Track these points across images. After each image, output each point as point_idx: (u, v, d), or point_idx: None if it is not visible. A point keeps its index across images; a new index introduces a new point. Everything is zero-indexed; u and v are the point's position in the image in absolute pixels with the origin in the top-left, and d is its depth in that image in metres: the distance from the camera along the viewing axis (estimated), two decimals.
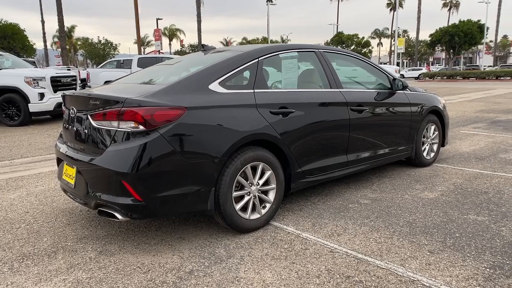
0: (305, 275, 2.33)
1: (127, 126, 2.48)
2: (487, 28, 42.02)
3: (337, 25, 73.53)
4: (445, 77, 32.69)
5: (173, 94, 2.62)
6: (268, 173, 3.01)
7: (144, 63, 13.98)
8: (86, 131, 2.74)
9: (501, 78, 28.85)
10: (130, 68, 14.19)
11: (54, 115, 9.98)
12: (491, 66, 53.88)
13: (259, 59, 3.12)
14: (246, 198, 2.91)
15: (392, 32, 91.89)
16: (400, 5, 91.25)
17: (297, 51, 3.51)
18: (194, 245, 2.78)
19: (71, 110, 2.93)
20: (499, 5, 61.33)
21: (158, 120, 2.48)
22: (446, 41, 40.56)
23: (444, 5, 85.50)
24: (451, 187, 3.93)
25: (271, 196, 3.06)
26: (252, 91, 2.99)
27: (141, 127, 2.46)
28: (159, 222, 3.20)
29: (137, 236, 2.96)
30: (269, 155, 2.98)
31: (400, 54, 35.59)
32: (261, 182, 2.98)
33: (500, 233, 2.83)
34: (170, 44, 76.61)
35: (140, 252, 2.70)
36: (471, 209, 3.32)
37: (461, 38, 38.79)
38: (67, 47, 45.53)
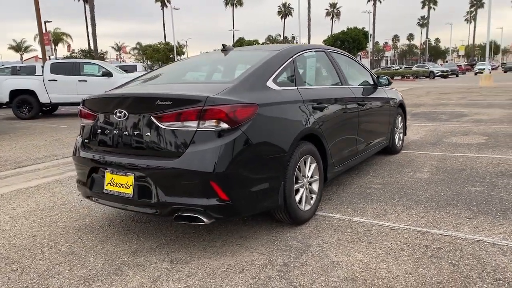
0: (391, 250, 2.57)
1: (210, 125, 2.43)
2: (371, 35, 47.37)
3: (234, 31, 75.39)
4: None
5: (242, 91, 2.64)
6: (313, 166, 3.17)
7: (59, 68, 12.77)
8: (148, 134, 2.58)
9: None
10: (42, 75, 12.78)
11: None
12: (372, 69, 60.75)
13: (293, 57, 3.27)
14: (301, 191, 3.04)
15: (284, 38, 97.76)
16: (290, 13, 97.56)
17: (314, 51, 3.74)
18: (262, 242, 2.81)
19: (117, 113, 2.71)
20: (374, 15, 69.57)
21: (240, 117, 2.49)
22: (338, 47, 44.57)
23: (327, 14, 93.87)
24: (433, 168, 4.55)
25: (315, 187, 3.23)
26: (296, 87, 3.13)
27: (225, 125, 2.44)
28: (201, 227, 3.13)
29: (194, 242, 2.87)
30: (314, 148, 3.15)
31: None
32: (309, 174, 3.13)
33: (503, 198, 3.43)
34: (55, 49, 70.10)
35: (215, 255, 2.64)
36: (464, 182, 3.92)
37: (350, 44, 43.00)
38: None
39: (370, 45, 51.91)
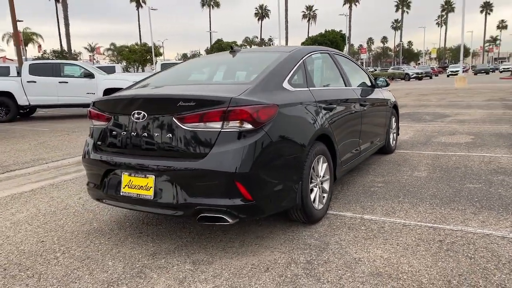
0: (407, 246, 2.66)
1: (234, 125, 2.45)
2: (348, 37, 48.24)
3: (211, 32, 75.18)
4: None
5: (262, 92, 2.67)
6: (325, 165, 3.24)
7: (39, 69, 12.43)
8: (170, 135, 2.58)
9: None
10: (20, 76, 12.39)
11: None
12: None
13: (303, 59, 3.33)
14: (315, 190, 3.10)
15: (261, 40, 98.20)
16: (267, 15, 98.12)
17: (320, 53, 3.81)
18: (280, 241, 2.85)
19: (135, 115, 2.69)
20: (350, 18, 70.83)
21: (263, 118, 2.52)
22: None
23: (304, 16, 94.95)
24: (429, 167, 4.71)
25: (326, 186, 3.29)
26: (308, 89, 3.19)
27: (249, 126, 2.46)
28: (215, 228, 3.14)
29: (212, 243, 2.88)
30: (325, 148, 3.22)
31: None
32: (322, 174, 3.20)
33: (501, 194, 3.60)
34: (24, 49, 67.91)
35: (236, 255, 2.66)
36: (462, 180, 4.08)
37: (328, 46, 43.73)
38: None
39: (346, 48, 52.88)
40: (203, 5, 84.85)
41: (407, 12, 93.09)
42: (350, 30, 72.14)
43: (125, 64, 53.57)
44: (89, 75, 12.58)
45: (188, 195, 2.50)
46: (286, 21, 65.09)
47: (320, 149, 3.09)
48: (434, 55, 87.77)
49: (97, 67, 18.62)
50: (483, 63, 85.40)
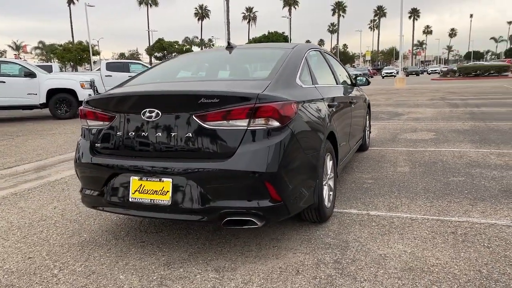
0: (425, 239, 2.72)
1: (261, 123, 2.33)
2: (290, 39, 49.34)
3: (151, 31, 72.90)
4: None
5: (280, 89, 2.57)
6: (330, 163, 3.22)
7: None
8: (189, 135, 2.39)
9: None
10: None
11: None
12: None
13: (305, 56, 3.29)
14: (325, 188, 3.07)
15: (201, 40, 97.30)
16: (207, 15, 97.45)
17: (314, 50, 3.79)
18: (297, 242, 2.78)
19: (147, 113, 2.46)
20: (290, 21, 72.57)
21: (288, 115, 2.43)
22: None
23: (244, 18, 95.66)
24: (408, 162, 4.90)
25: (331, 184, 3.28)
26: (314, 86, 3.15)
27: (276, 123, 2.36)
28: (223, 232, 2.99)
29: (226, 248, 2.73)
30: (331, 146, 3.20)
31: None
32: (329, 172, 3.17)
33: (486, 185, 3.83)
34: None
35: (258, 259, 2.55)
36: (445, 174, 4.29)
37: None
38: None
39: None
40: (140, 3, 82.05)
41: (343, 16, 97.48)
42: (290, 32, 73.93)
43: (58, 63, 50.16)
44: (30, 74, 11.55)
45: (212, 198, 2.34)
46: (228, 22, 65.04)
47: (328, 146, 3.07)
48: (368, 57, 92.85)
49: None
50: (412, 65, 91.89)
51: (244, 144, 2.32)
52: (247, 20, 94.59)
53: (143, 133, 2.50)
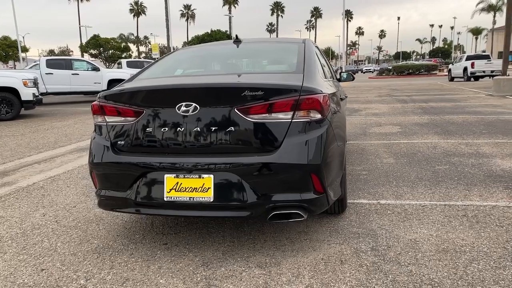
0: (442, 223, 2.89)
1: (305, 115, 2.33)
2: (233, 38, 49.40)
3: (84, 27, 68.77)
4: None
5: (313, 81, 2.58)
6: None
7: None
8: (231, 129, 2.31)
9: None
10: None
11: None
12: None
13: (315, 51, 3.33)
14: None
15: (136, 38, 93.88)
16: (143, 12, 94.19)
17: (316, 46, 3.85)
18: (326, 233, 2.82)
19: (183, 107, 2.34)
20: (230, 20, 72.58)
21: (326, 107, 2.46)
22: None
23: (182, 15, 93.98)
24: (391, 154, 5.16)
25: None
26: (326, 80, 3.21)
27: (318, 116, 2.37)
28: (245, 228, 2.95)
29: (257, 243, 2.69)
30: None
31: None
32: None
33: (470, 172, 4.16)
34: None
35: (297, 252, 2.54)
36: (429, 163, 4.58)
37: None
38: None
39: None
40: None
41: (282, 16, 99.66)
42: (231, 30, 73.94)
43: None
44: None
45: (258, 192, 2.29)
46: (167, 19, 63.43)
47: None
48: None
49: None
50: (347, 64, 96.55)
51: (289, 136, 2.31)
52: (185, 17, 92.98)
53: (178, 129, 2.37)
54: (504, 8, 50.81)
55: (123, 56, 55.13)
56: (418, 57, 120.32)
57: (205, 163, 2.32)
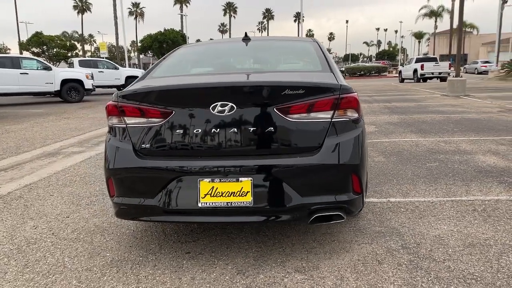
0: (457, 218, 2.98)
1: (344, 114, 2.29)
2: (188, 37, 48.59)
3: (18, 23, 64.27)
4: None
5: (342, 81, 2.56)
6: None
7: None
8: (271, 129, 2.21)
9: None
10: None
11: None
12: None
13: None
14: None
15: (81, 35, 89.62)
16: (88, 9, 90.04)
17: None
18: (351, 234, 2.80)
19: (218, 107, 2.21)
20: (181, 19, 71.40)
21: (360, 106, 2.43)
22: (156, 47, 44.02)
23: (130, 13, 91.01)
24: (378, 153, 5.28)
25: None
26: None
27: (355, 115, 2.35)
28: (268, 232, 2.86)
29: (287, 248, 2.62)
30: None
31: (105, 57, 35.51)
32: None
33: (460, 168, 4.35)
34: None
35: (330, 255, 2.50)
36: (419, 161, 4.74)
37: (169, 45, 43.06)
38: None
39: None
40: None
41: (234, 17, 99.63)
42: (182, 29, 72.75)
43: None
44: None
45: (301, 195, 2.22)
46: (115, 17, 61.01)
47: None
48: None
49: None
50: None
51: (330, 136, 2.26)
52: (134, 16, 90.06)
53: (212, 130, 2.24)
54: (445, 14, 54.49)
55: (69, 55, 52.30)
56: (365, 59, 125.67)
57: (243, 165, 2.21)
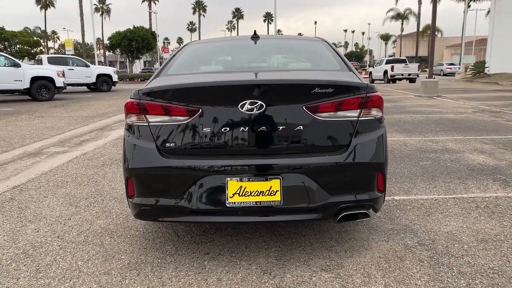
0: (463, 215, 3.09)
1: (369, 113, 2.32)
2: (158, 35, 47.75)
3: None
4: (127, 80, 35.87)
5: (363, 80, 2.59)
6: None
7: None
8: (300, 128, 2.21)
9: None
10: None
11: None
12: None
13: None
14: None
15: (44, 32, 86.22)
16: (52, 4, 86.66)
17: None
18: (365, 233, 2.85)
19: (247, 105, 2.18)
20: (150, 16, 70.01)
21: (383, 105, 2.47)
22: (125, 45, 42.90)
23: (96, 10, 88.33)
24: None
25: None
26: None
27: (380, 114, 2.38)
28: (284, 232, 2.86)
29: (307, 247, 2.63)
30: None
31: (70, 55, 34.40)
32: None
33: (453, 166, 4.51)
34: None
35: (351, 253, 2.53)
36: (413, 160, 4.87)
37: (139, 43, 42.09)
38: None
39: (158, 46, 52.15)
40: None
41: (204, 16, 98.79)
42: (151, 26, 71.43)
43: None
44: None
45: (329, 193, 2.23)
46: (81, 13, 59.06)
47: None
48: None
49: None
50: None
51: (357, 135, 2.28)
52: (100, 12, 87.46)
53: (241, 128, 2.21)
54: (411, 17, 56.38)
55: (32, 51, 50.10)
56: None
57: (272, 164, 2.20)
